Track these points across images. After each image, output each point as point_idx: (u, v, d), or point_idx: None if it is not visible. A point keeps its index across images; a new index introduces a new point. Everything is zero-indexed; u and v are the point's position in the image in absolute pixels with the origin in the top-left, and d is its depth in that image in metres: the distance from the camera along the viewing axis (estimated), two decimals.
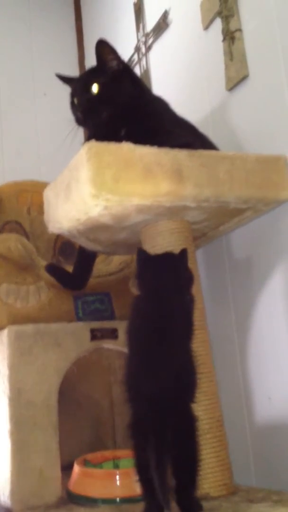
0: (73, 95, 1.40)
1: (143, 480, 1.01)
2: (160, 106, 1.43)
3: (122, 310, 1.63)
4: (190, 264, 1.31)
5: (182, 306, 1.12)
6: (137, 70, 2.13)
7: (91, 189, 1.11)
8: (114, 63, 1.35)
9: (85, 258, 1.54)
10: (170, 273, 1.13)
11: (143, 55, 2.11)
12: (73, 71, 2.63)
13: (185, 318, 1.11)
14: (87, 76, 1.37)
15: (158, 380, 0.99)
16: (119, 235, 1.41)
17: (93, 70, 1.39)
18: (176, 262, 1.15)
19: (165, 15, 1.95)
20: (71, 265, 1.60)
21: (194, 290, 1.27)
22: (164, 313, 1.08)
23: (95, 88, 1.33)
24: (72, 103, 1.40)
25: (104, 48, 1.36)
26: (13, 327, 1.45)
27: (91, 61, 2.52)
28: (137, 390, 1.02)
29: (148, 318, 1.08)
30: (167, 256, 1.19)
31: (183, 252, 1.16)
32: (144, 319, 1.09)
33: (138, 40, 2.13)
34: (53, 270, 1.55)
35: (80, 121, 1.37)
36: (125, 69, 1.39)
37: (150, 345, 1.03)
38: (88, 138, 1.35)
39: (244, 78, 1.55)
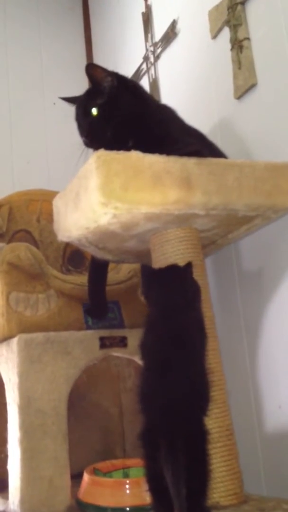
0: (77, 119, 1.40)
1: (153, 490, 1.01)
2: (167, 114, 1.43)
3: (131, 318, 1.63)
4: (199, 273, 1.31)
5: (191, 318, 1.12)
6: (146, 80, 2.14)
7: (100, 198, 1.12)
8: (108, 81, 1.35)
9: (99, 285, 1.57)
10: (175, 287, 1.13)
11: (151, 64, 2.12)
12: (82, 81, 2.64)
13: (196, 330, 1.11)
14: (85, 101, 1.37)
15: (171, 392, 0.99)
16: (128, 243, 1.41)
17: (89, 93, 1.39)
18: (181, 275, 1.15)
19: (173, 25, 1.97)
20: (80, 273, 1.60)
21: (203, 298, 1.27)
22: (174, 326, 1.07)
23: (94, 111, 1.33)
24: (79, 126, 1.40)
25: (94, 70, 1.36)
26: (23, 335, 1.46)
27: None
28: (150, 401, 1.02)
29: (159, 332, 1.08)
30: (172, 269, 1.19)
31: (188, 265, 1.16)
32: (155, 333, 1.09)
33: (147, 50, 2.14)
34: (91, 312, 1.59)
35: (87, 144, 1.38)
36: (121, 83, 1.38)
37: (163, 358, 1.03)
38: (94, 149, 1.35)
39: (253, 86, 1.55)
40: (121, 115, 1.34)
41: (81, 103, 1.39)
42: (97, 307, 1.59)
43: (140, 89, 1.43)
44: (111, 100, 1.33)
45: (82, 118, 1.37)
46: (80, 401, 1.76)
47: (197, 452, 1.01)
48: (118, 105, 1.34)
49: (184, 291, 1.13)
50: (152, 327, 1.11)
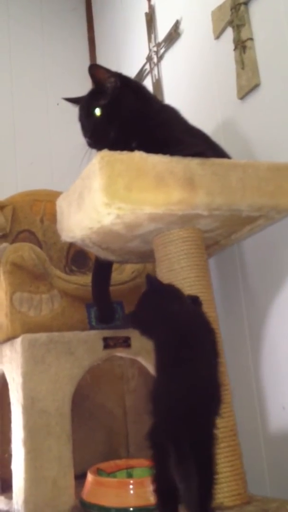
0: (80, 119, 1.41)
1: (159, 491, 1.01)
2: (170, 114, 1.43)
3: None
4: (202, 273, 1.32)
5: (199, 320, 1.12)
6: (149, 80, 2.14)
7: (104, 198, 1.12)
8: (111, 81, 1.35)
9: (102, 286, 1.57)
10: (177, 297, 1.14)
11: (155, 64, 2.12)
12: (86, 82, 2.65)
13: (206, 331, 1.11)
14: (88, 101, 1.37)
15: (183, 392, 0.99)
16: (132, 244, 1.41)
17: (92, 94, 1.39)
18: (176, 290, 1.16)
19: (176, 25, 1.97)
20: (83, 274, 1.60)
21: (208, 299, 1.27)
22: (184, 328, 1.08)
23: (98, 111, 1.34)
24: (82, 126, 1.41)
25: (97, 70, 1.36)
26: (27, 335, 1.46)
27: None
28: (162, 402, 1.02)
29: (171, 335, 1.08)
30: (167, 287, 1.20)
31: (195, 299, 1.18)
32: (167, 336, 1.09)
33: (150, 50, 2.14)
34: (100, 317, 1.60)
35: (90, 145, 1.38)
36: (124, 83, 1.38)
37: (174, 359, 1.03)
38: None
39: (256, 86, 1.55)
40: (124, 116, 1.34)
41: (84, 104, 1.39)
42: (105, 311, 1.59)
43: (143, 89, 1.43)
44: (114, 100, 1.34)
45: (85, 118, 1.37)
46: (83, 402, 1.76)
47: (205, 454, 1.01)
48: (121, 106, 1.34)
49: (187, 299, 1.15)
50: (162, 331, 1.11)
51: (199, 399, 1.00)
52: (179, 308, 1.12)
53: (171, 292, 1.17)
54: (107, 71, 1.36)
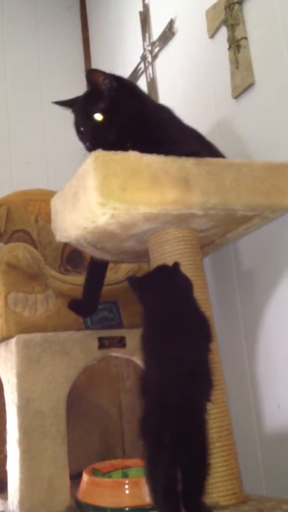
0: (77, 125, 1.38)
1: (153, 489, 1.01)
2: (164, 114, 1.43)
3: (130, 318, 1.62)
4: (198, 272, 1.32)
5: (187, 307, 1.13)
6: (144, 79, 2.14)
7: (98, 198, 1.12)
8: (106, 83, 1.33)
9: (95, 283, 1.55)
10: (166, 282, 1.15)
11: (149, 64, 2.12)
12: (80, 81, 2.64)
13: (195, 319, 1.12)
14: (86, 106, 1.35)
15: (172, 376, 0.99)
16: (127, 244, 1.41)
17: (89, 98, 1.36)
18: (169, 272, 1.17)
19: (171, 24, 1.97)
20: (78, 274, 1.60)
21: (203, 298, 1.27)
22: (171, 316, 1.09)
23: (98, 116, 1.31)
24: (78, 131, 1.38)
25: (94, 74, 1.34)
26: (22, 336, 1.46)
27: None
28: (153, 386, 1.02)
29: (158, 323, 1.09)
30: (159, 269, 1.21)
31: (175, 264, 1.18)
32: (154, 325, 1.10)
33: (144, 49, 2.14)
34: (74, 306, 1.57)
35: (90, 149, 1.34)
36: (121, 85, 1.37)
37: (163, 345, 1.04)
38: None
39: (250, 86, 1.55)
40: (124, 118, 1.32)
41: (81, 109, 1.36)
42: (87, 304, 1.57)
43: (138, 89, 1.43)
44: (112, 103, 1.32)
45: (84, 124, 1.35)
46: (79, 402, 1.76)
47: (196, 441, 1.01)
48: (120, 108, 1.33)
49: (175, 284, 1.16)
50: (150, 320, 1.12)
51: (187, 380, 1.00)
52: (172, 291, 1.13)
53: (156, 278, 1.18)
54: (105, 73, 1.35)
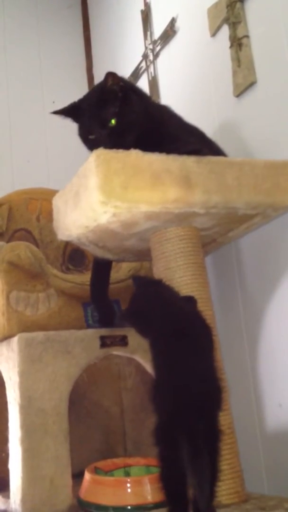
0: (87, 133, 1.32)
1: (169, 490, 1.01)
2: (165, 113, 1.42)
3: None
4: (199, 271, 1.32)
5: (193, 316, 1.12)
6: (145, 78, 2.13)
7: (100, 196, 1.12)
8: (118, 86, 1.31)
9: (101, 285, 1.55)
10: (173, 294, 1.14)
11: (150, 62, 2.12)
12: (81, 79, 2.65)
13: (201, 329, 1.11)
14: (99, 112, 1.30)
15: (185, 388, 0.99)
16: (128, 242, 1.41)
17: (101, 103, 1.31)
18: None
19: (172, 23, 1.96)
20: (80, 272, 1.60)
21: (204, 297, 1.27)
22: (177, 322, 1.08)
23: (113, 121, 1.28)
24: (87, 140, 1.33)
25: (115, 78, 1.30)
26: (23, 334, 1.46)
27: (99, 68, 2.55)
28: (165, 399, 1.02)
29: (167, 335, 1.08)
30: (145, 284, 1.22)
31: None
32: (162, 336, 1.09)
33: (146, 48, 2.14)
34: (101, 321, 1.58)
35: None
36: (129, 87, 1.36)
37: (174, 355, 1.04)
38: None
39: (252, 84, 1.55)
40: (134, 119, 1.30)
41: (93, 116, 1.32)
42: (104, 312, 1.58)
43: (140, 89, 1.43)
44: (123, 105, 1.30)
45: (98, 131, 1.30)
46: (81, 400, 1.76)
47: (212, 450, 1.01)
48: (131, 109, 1.30)
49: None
50: (156, 327, 1.11)
51: (203, 392, 1.00)
52: (171, 303, 1.12)
53: (161, 287, 1.17)
54: (117, 76, 1.32)
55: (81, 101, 1.37)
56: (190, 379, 1.00)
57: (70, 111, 1.37)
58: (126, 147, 1.23)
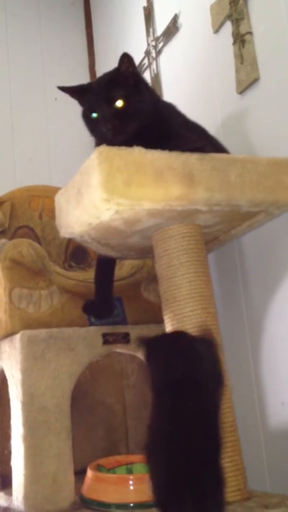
0: (90, 110, 1.31)
1: None
2: (169, 110, 1.42)
3: (134, 314, 1.62)
4: (202, 269, 1.31)
5: (203, 368, 1.06)
6: (148, 74, 2.13)
7: (102, 194, 1.11)
8: (131, 73, 1.31)
9: (105, 281, 1.54)
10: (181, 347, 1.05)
11: (153, 59, 2.11)
12: (84, 76, 2.64)
13: (211, 381, 1.06)
14: (108, 91, 1.29)
15: (188, 442, 0.97)
16: (131, 240, 1.41)
17: (112, 83, 1.31)
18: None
19: (175, 19, 1.96)
20: (82, 270, 1.60)
21: (207, 294, 1.26)
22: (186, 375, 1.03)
23: (119, 103, 1.28)
24: (88, 120, 1.33)
25: (130, 60, 1.31)
26: (26, 332, 1.46)
27: (101, 66, 2.54)
28: (162, 453, 1.00)
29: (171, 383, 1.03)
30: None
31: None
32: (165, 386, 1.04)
33: (148, 44, 2.13)
34: (89, 309, 1.56)
35: (106, 136, 1.27)
36: (140, 79, 1.36)
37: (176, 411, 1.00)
38: (97, 145, 1.31)
39: (255, 81, 1.54)
40: (143, 108, 1.30)
41: (100, 93, 1.30)
42: (102, 306, 1.57)
43: (151, 87, 1.42)
44: (134, 92, 1.29)
45: (102, 109, 1.29)
46: (83, 398, 1.76)
47: (217, 498, 1.00)
48: (140, 99, 1.30)
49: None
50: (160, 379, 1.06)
51: (204, 449, 0.97)
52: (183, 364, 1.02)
53: (176, 342, 1.07)
54: (133, 63, 1.33)
55: (91, 83, 1.36)
56: (191, 437, 0.97)
57: (77, 90, 1.36)
58: (127, 133, 1.23)
